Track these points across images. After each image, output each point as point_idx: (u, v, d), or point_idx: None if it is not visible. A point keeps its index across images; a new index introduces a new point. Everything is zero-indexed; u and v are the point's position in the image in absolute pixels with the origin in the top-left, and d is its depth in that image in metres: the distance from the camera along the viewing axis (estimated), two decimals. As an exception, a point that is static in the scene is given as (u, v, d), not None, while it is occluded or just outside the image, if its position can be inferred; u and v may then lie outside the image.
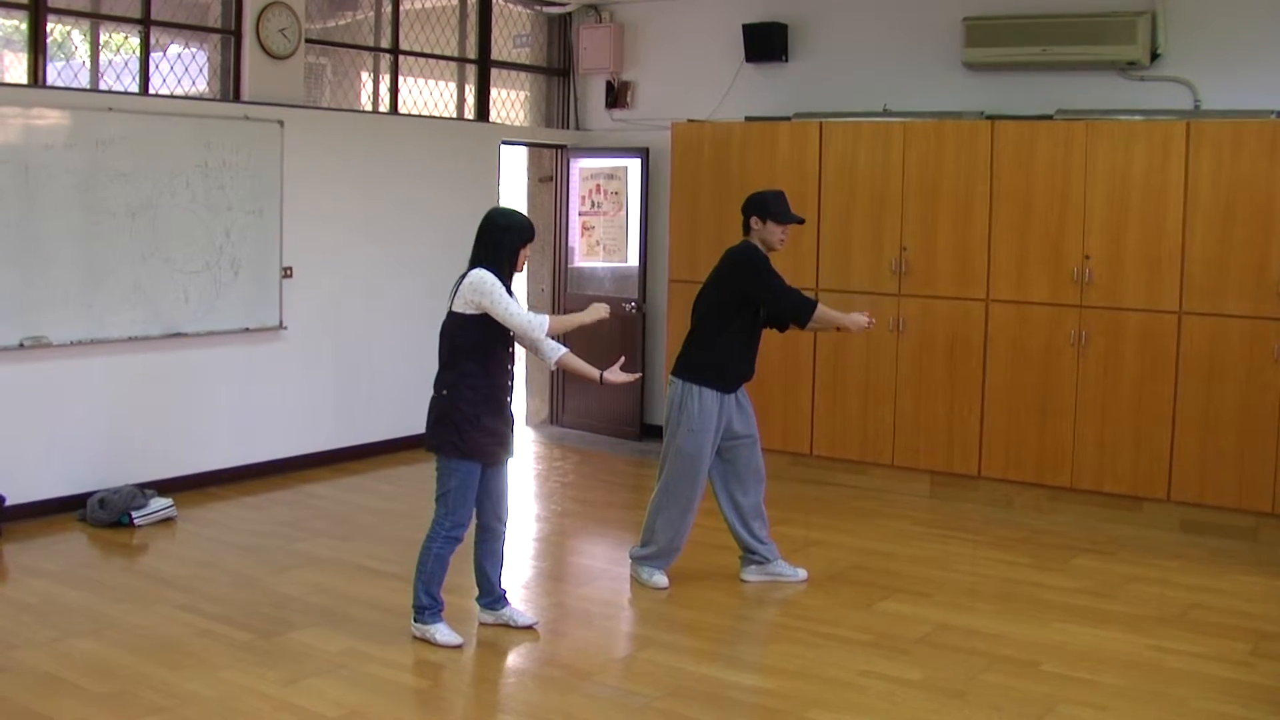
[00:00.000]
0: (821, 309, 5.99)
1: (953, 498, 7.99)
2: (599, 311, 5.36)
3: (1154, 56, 7.78)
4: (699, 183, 8.72)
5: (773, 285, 5.93)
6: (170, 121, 7.43)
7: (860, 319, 6.04)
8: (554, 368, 5.47)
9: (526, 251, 5.28)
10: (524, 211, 10.20)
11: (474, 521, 5.43)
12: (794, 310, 5.96)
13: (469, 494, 5.27)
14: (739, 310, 5.97)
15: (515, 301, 5.19)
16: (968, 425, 7.89)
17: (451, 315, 5.21)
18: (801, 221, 6.10)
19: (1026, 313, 7.66)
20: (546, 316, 5.22)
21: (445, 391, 5.23)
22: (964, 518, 7.62)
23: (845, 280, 8.19)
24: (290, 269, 8.18)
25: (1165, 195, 7.25)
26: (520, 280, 8.18)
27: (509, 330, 5.22)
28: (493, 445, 5.27)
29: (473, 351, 5.19)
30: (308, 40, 8.44)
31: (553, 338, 5.33)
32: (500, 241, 5.19)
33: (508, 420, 5.35)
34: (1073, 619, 5.82)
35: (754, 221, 6.00)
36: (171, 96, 7.76)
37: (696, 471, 6.01)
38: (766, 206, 5.97)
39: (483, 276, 5.13)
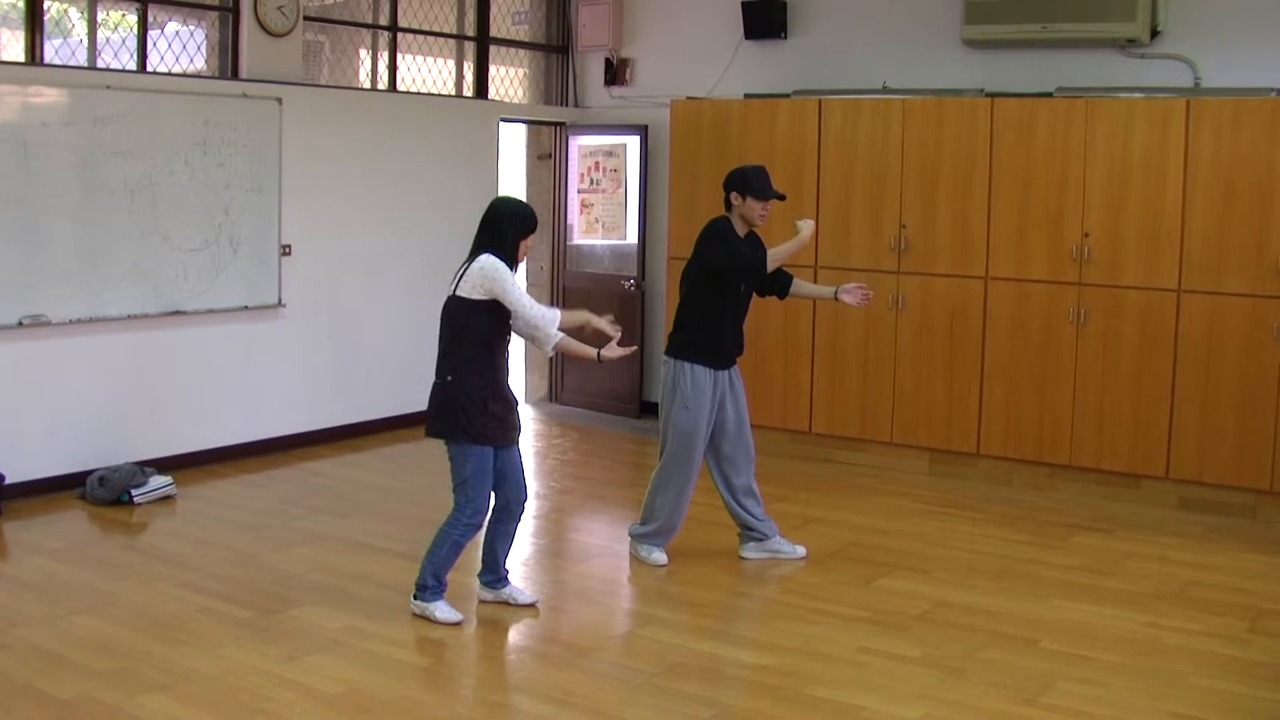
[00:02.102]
0: (771, 252, 5.90)
1: (952, 475, 7.99)
2: (595, 322, 5.35)
3: (1154, 34, 7.74)
4: (698, 160, 8.69)
5: (724, 252, 5.87)
6: (168, 99, 7.40)
7: (847, 297, 6.11)
8: (551, 353, 5.48)
9: (529, 242, 5.27)
10: (523, 189, 10.25)
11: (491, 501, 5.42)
12: (749, 270, 5.88)
13: (486, 479, 5.26)
14: (715, 284, 5.94)
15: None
16: (967, 402, 7.88)
17: (458, 300, 5.17)
18: (783, 198, 6.03)
19: (1026, 290, 7.64)
20: (558, 311, 5.21)
21: (450, 378, 5.21)
22: (963, 495, 7.63)
23: (845, 258, 8.17)
24: (289, 247, 8.16)
25: (1165, 173, 7.22)
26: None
27: (510, 315, 5.21)
28: (501, 428, 5.27)
29: (478, 337, 5.17)
30: (306, 17, 8.40)
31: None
32: (504, 230, 5.18)
33: (511, 403, 5.35)
34: (1071, 596, 5.82)
35: (734, 197, 5.95)
36: (170, 74, 7.73)
37: (692, 448, 6.01)
38: (746, 182, 5.91)
39: (495, 263, 5.10)
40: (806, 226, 5.96)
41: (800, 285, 6.29)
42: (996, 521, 7.08)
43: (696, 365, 5.97)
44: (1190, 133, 7.14)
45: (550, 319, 5.17)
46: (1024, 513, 7.26)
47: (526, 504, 5.53)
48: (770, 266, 5.89)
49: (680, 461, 6.03)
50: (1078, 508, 7.37)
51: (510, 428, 5.33)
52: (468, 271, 5.16)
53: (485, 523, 5.35)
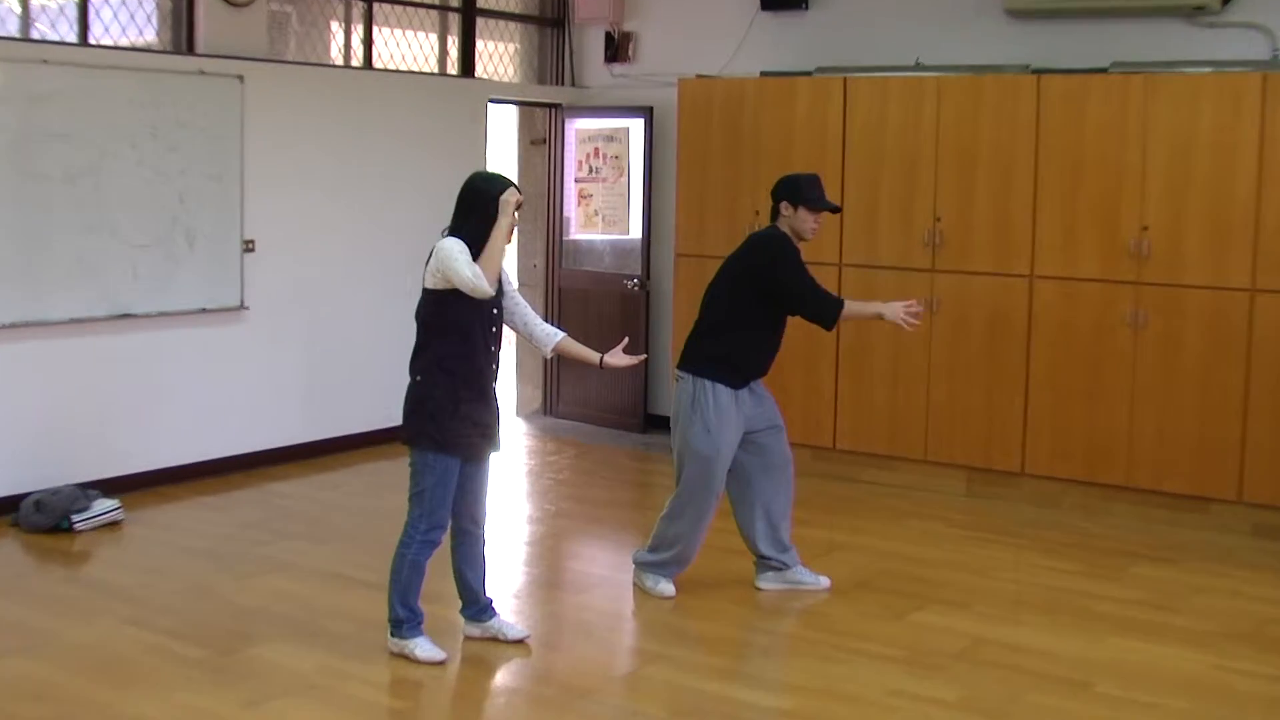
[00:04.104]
0: (850, 306, 6.04)
1: (993, 496, 7.98)
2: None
3: (1225, 0, 7.68)
4: (709, 146, 8.69)
5: (792, 280, 5.92)
6: (114, 76, 7.38)
7: (897, 309, 5.99)
8: (550, 354, 5.51)
9: (513, 221, 5.25)
10: (514, 178, 10.21)
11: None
12: (816, 313, 5.97)
13: (446, 493, 5.26)
14: (759, 299, 5.97)
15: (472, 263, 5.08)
16: (1009, 415, 7.87)
17: (424, 292, 5.22)
18: (837, 209, 6.13)
19: (1075, 290, 7.63)
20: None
21: (420, 377, 5.23)
22: (1005, 519, 7.62)
23: (872, 255, 8.17)
24: (253, 242, 8.15)
25: (1236, 157, 7.18)
26: (510, 254, 8.15)
27: (494, 307, 5.22)
28: (473, 437, 5.27)
29: (449, 330, 5.18)
30: (271, -15, 8.46)
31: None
32: (483, 209, 5.16)
33: (492, 409, 5.34)
34: (1129, 634, 5.80)
35: (784, 207, 6.00)
36: (115, 48, 7.71)
37: (712, 475, 6.02)
38: (799, 190, 5.98)
39: (449, 245, 5.10)
40: (897, 312, 5.95)
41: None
42: (1044, 549, 7.07)
43: (720, 384, 5.97)
44: (1266, 111, 7.10)
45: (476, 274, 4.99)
46: (1075, 539, 7.25)
47: (486, 525, 5.52)
48: (843, 318, 6.00)
49: (698, 488, 6.03)
50: (1136, 534, 7.36)
51: (485, 438, 5.32)
52: (430, 260, 5.18)
53: (442, 540, 5.34)
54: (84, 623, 5.64)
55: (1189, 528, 7.41)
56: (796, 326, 8.18)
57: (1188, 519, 7.44)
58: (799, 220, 5.97)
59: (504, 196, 5.13)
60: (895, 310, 5.98)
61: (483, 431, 5.28)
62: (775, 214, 6.03)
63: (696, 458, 5.99)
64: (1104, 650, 5.57)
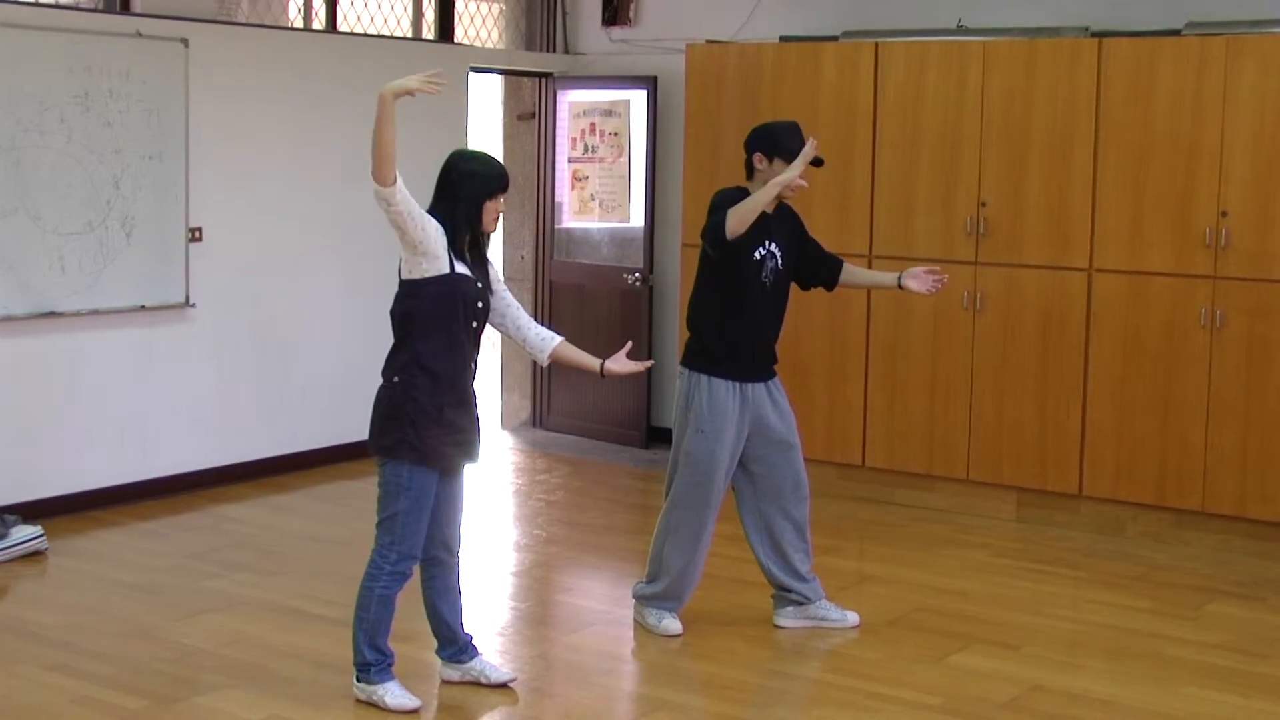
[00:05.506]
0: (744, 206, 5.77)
1: (1046, 522, 7.98)
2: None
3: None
4: (720, 121, 8.68)
5: (708, 222, 5.84)
6: (37, 38, 7.37)
7: (914, 283, 6.06)
8: (546, 362, 5.56)
9: (497, 205, 5.30)
10: (499, 157, 10.20)
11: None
12: (709, 235, 5.78)
13: (422, 516, 5.27)
14: (728, 270, 5.92)
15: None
16: (1065, 430, 7.86)
17: (402, 283, 5.25)
18: (819, 164, 5.99)
19: (1142, 286, 7.62)
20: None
21: (396, 379, 5.24)
22: (1061, 548, 7.62)
23: (907, 245, 8.17)
24: (199, 230, 8.17)
25: (1331, 132, 7.24)
26: (495, 244, 8.15)
27: (477, 302, 5.26)
28: (457, 444, 5.30)
29: (430, 326, 5.21)
30: (221, -64, 8.48)
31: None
32: (459, 191, 5.23)
33: (473, 415, 5.37)
34: (1207, 683, 5.76)
35: (758, 160, 5.98)
36: (38, 4, 7.71)
37: (709, 483, 6.02)
38: (774, 141, 5.93)
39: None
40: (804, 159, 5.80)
41: (852, 273, 6.35)
42: (1106, 583, 7.07)
43: (714, 378, 5.97)
44: (1368, 78, 7.15)
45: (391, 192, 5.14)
46: (1142, 572, 7.25)
47: (460, 551, 5.52)
48: (735, 225, 5.69)
49: (694, 499, 6.04)
50: (1214, 567, 7.34)
51: (469, 445, 5.36)
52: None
53: (414, 571, 5.35)
54: (0, 670, 5.62)
55: (1277, 560, 7.39)
56: (821, 330, 8.22)
57: (1275, 550, 7.41)
58: (776, 175, 5.87)
59: (489, 204, 5.24)
60: (922, 281, 5.98)
61: (462, 440, 5.30)
62: (750, 169, 5.99)
63: (688, 463, 6.02)
64: (1177, 702, 5.53)
